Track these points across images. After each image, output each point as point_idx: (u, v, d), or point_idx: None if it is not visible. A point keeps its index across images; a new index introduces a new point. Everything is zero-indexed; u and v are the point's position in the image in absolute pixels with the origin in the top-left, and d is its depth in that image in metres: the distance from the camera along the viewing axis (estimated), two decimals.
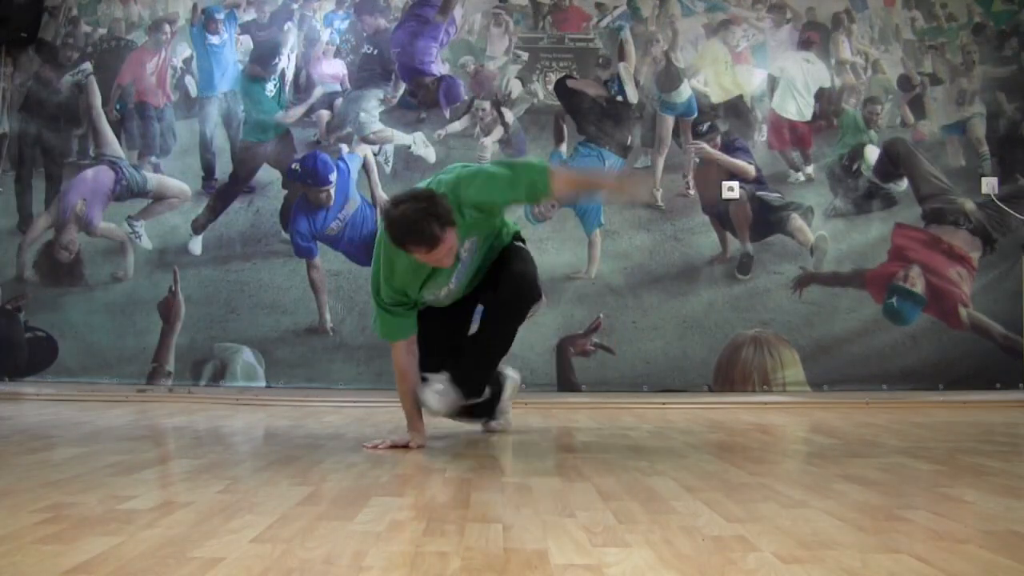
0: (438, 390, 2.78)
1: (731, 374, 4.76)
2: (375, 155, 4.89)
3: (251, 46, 5.02)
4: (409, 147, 4.90)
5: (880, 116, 4.94)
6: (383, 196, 4.82)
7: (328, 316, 4.82)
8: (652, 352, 4.77)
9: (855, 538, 1.56)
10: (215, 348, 4.85)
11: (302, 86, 4.98)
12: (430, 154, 4.87)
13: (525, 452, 2.82)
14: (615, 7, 4.97)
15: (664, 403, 4.54)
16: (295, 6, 5.03)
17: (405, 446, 2.79)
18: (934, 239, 4.83)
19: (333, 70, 5.00)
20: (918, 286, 4.79)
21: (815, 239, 4.84)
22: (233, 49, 5.02)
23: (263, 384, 4.79)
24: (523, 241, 3.04)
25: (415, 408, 2.84)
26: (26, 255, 4.95)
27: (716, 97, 4.95)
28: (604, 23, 4.98)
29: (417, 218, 2.47)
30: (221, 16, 5.01)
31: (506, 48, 4.96)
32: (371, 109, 4.94)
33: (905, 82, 4.98)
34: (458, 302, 2.95)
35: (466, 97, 4.91)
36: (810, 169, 4.91)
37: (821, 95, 4.96)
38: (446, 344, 2.90)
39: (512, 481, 2.20)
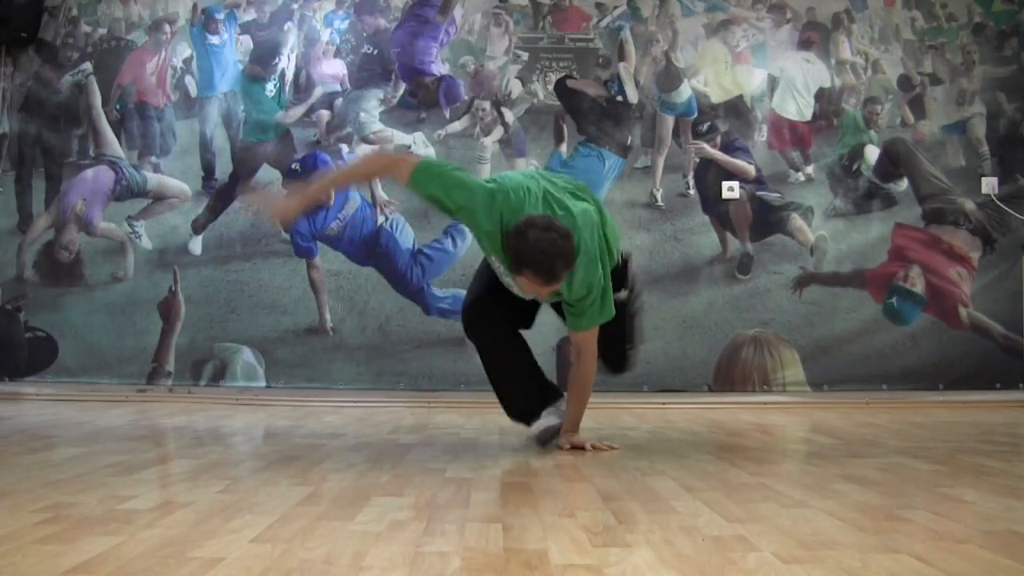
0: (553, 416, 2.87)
1: (731, 374, 4.75)
2: None
3: (251, 46, 5.02)
4: (409, 147, 4.90)
5: (880, 116, 4.94)
6: (383, 196, 4.82)
7: (328, 316, 4.82)
8: (652, 352, 4.76)
9: (855, 538, 1.56)
10: (215, 348, 4.85)
11: (302, 86, 4.98)
12: (430, 154, 4.86)
13: (525, 452, 2.82)
14: (615, 7, 4.97)
15: (664, 403, 4.54)
16: (295, 6, 5.03)
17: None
18: (934, 239, 4.83)
19: (333, 70, 5.00)
20: (918, 286, 4.79)
21: (815, 239, 4.84)
22: (233, 49, 5.02)
23: (263, 384, 4.79)
24: (626, 262, 2.97)
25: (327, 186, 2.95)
26: (26, 255, 4.95)
27: (716, 97, 4.95)
28: (604, 23, 4.98)
29: (552, 253, 2.43)
30: (221, 16, 5.01)
31: (506, 48, 4.96)
32: (371, 109, 4.94)
33: (905, 82, 4.98)
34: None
35: (466, 97, 4.91)
36: (810, 169, 4.91)
37: (821, 95, 4.96)
38: (508, 308, 2.87)
39: (512, 481, 2.19)
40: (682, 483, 2.13)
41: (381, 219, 4.83)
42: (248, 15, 5.04)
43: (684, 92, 4.93)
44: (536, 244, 2.41)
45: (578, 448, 2.76)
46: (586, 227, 2.60)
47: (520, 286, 2.58)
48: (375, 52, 4.99)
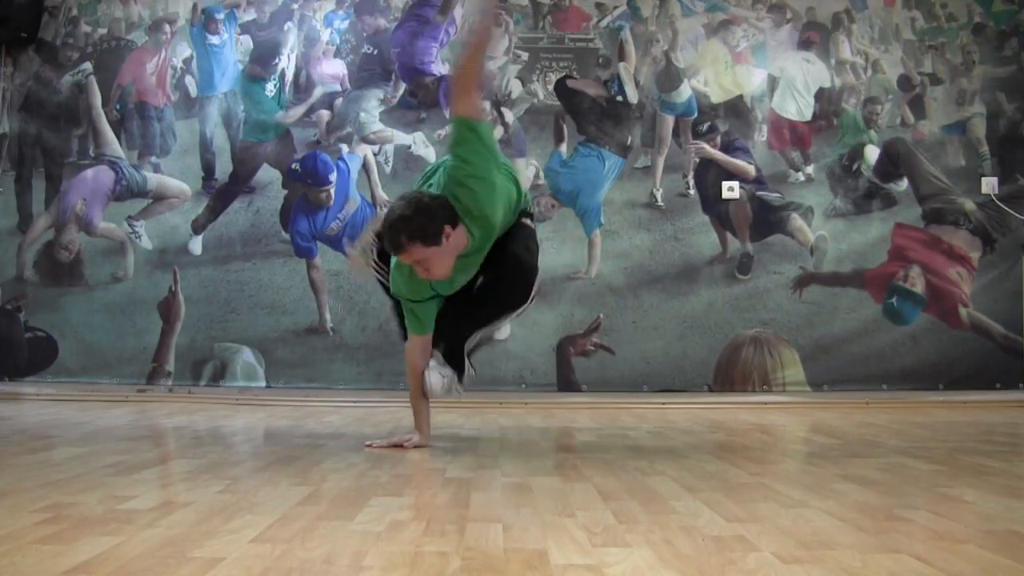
0: (439, 372, 2.79)
1: (731, 374, 4.75)
2: (375, 155, 4.89)
3: (251, 46, 5.02)
4: (409, 147, 4.90)
5: (880, 116, 4.94)
6: (383, 196, 4.82)
7: (328, 316, 4.82)
8: (652, 352, 4.77)
9: (855, 538, 1.56)
10: (215, 348, 4.85)
11: (302, 86, 4.98)
12: (430, 154, 4.86)
13: (525, 452, 2.82)
14: (615, 7, 4.97)
15: (664, 403, 4.54)
16: (295, 6, 5.03)
17: (401, 446, 2.81)
18: (934, 239, 4.83)
19: (333, 70, 5.00)
20: (918, 286, 4.79)
21: (815, 239, 4.84)
22: (233, 49, 5.03)
23: (263, 384, 4.79)
24: (531, 216, 2.95)
25: (421, 407, 2.87)
26: (26, 255, 4.95)
27: (716, 97, 4.95)
28: (604, 23, 4.98)
29: (393, 229, 2.48)
30: (221, 16, 5.01)
31: (506, 48, 4.96)
32: (371, 109, 4.94)
33: (905, 82, 4.98)
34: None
35: None
36: (810, 169, 4.91)
37: (821, 95, 4.96)
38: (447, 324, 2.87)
39: (512, 481, 2.19)
40: (682, 483, 2.13)
41: None
42: (248, 15, 5.04)
43: (684, 92, 4.93)
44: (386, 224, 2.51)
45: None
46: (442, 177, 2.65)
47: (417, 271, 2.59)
48: (375, 52, 4.99)
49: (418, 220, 2.47)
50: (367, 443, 2.85)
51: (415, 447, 2.81)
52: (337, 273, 4.85)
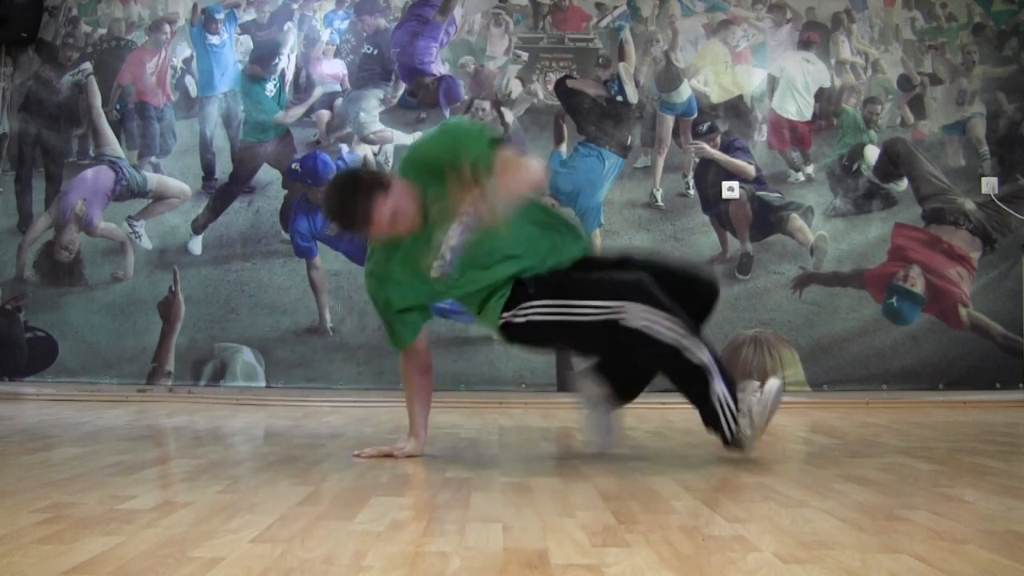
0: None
1: None
2: (375, 155, 4.89)
3: (251, 46, 5.02)
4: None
5: (880, 116, 4.94)
6: None
7: (328, 316, 4.82)
8: None
9: (855, 538, 1.56)
10: (215, 348, 4.85)
11: (302, 86, 4.98)
12: None
13: (525, 452, 2.82)
14: (615, 7, 4.97)
15: (664, 403, 4.51)
16: (295, 6, 5.03)
17: (391, 455, 2.58)
18: (934, 239, 4.83)
19: (333, 70, 5.00)
20: (918, 286, 4.79)
21: (815, 239, 4.84)
22: (233, 49, 5.03)
23: (263, 384, 4.79)
24: (584, 266, 2.51)
25: (418, 409, 2.67)
26: (26, 255, 4.95)
27: (716, 97, 4.95)
28: (604, 23, 4.98)
29: (335, 201, 2.40)
30: (221, 16, 5.01)
31: (506, 48, 4.96)
32: (371, 109, 4.94)
33: (905, 82, 4.98)
34: None
35: (466, 97, 4.91)
36: (810, 169, 4.91)
37: (821, 95, 4.96)
38: None
39: (512, 481, 2.19)
40: (682, 483, 2.13)
41: None
42: (248, 15, 5.04)
43: (684, 92, 4.93)
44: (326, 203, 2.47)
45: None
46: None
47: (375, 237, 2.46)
48: (375, 52, 4.99)
49: (348, 185, 2.40)
50: (355, 453, 2.61)
51: (407, 456, 2.58)
52: (337, 273, 4.85)
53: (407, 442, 2.64)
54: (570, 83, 4.94)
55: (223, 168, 4.96)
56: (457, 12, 4.96)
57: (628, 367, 2.58)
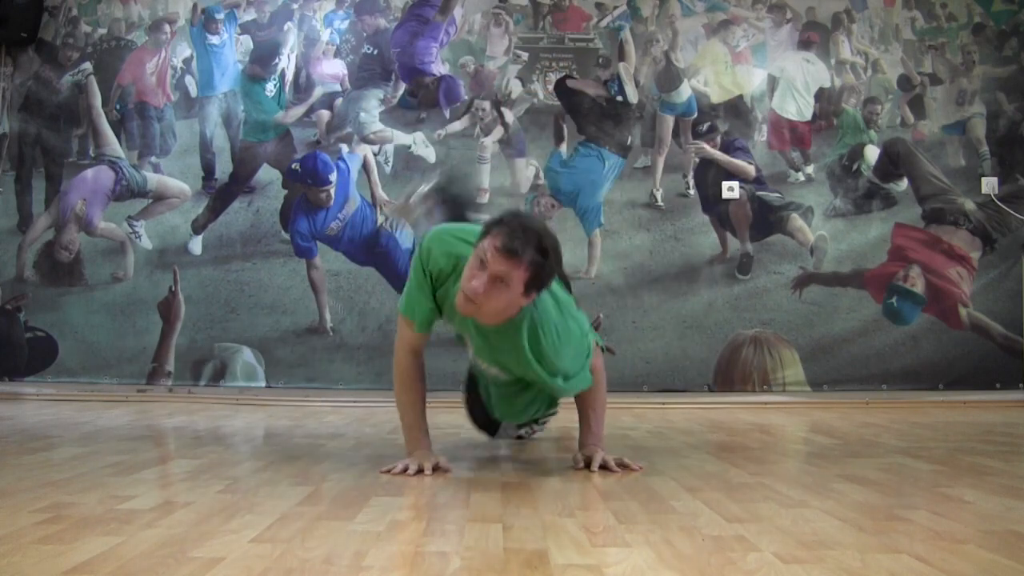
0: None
1: (731, 374, 4.75)
2: (375, 155, 4.89)
3: (251, 46, 5.02)
4: (409, 147, 4.90)
5: (880, 116, 4.94)
6: (383, 196, 4.83)
7: (328, 316, 4.82)
8: (652, 352, 4.77)
9: (855, 538, 1.56)
10: (215, 348, 4.85)
11: (302, 86, 4.98)
12: (430, 154, 4.87)
13: (525, 452, 2.82)
14: (615, 7, 4.97)
15: (664, 403, 4.54)
16: (295, 6, 5.03)
17: (420, 471, 2.30)
18: (934, 239, 4.83)
19: (333, 70, 5.00)
20: (918, 286, 4.79)
21: (815, 239, 4.84)
22: (233, 49, 5.03)
23: (263, 384, 4.79)
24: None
25: (418, 421, 2.43)
26: (26, 255, 4.95)
27: (716, 97, 4.95)
28: (604, 23, 4.98)
29: (525, 221, 2.10)
30: (221, 16, 5.01)
31: (506, 48, 4.96)
32: (371, 109, 4.94)
33: (905, 82, 4.98)
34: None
35: (466, 97, 4.91)
36: (810, 169, 4.91)
37: (821, 95, 4.96)
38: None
39: (512, 481, 2.19)
40: (682, 483, 2.13)
41: (381, 219, 4.83)
42: (248, 15, 5.04)
43: (684, 92, 4.93)
44: (519, 218, 2.12)
45: (606, 469, 2.35)
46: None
47: (468, 273, 2.08)
48: (375, 52, 4.99)
49: (547, 244, 2.08)
50: (382, 470, 2.33)
51: (443, 470, 2.33)
52: (337, 273, 4.85)
53: (427, 456, 2.36)
54: (570, 83, 4.94)
55: (223, 168, 4.96)
56: (457, 12, 4.96)
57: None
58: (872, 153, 4.92)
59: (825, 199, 4.89)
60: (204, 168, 4.97)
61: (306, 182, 4.84)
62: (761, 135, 4.93)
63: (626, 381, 4.72)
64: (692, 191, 4.88)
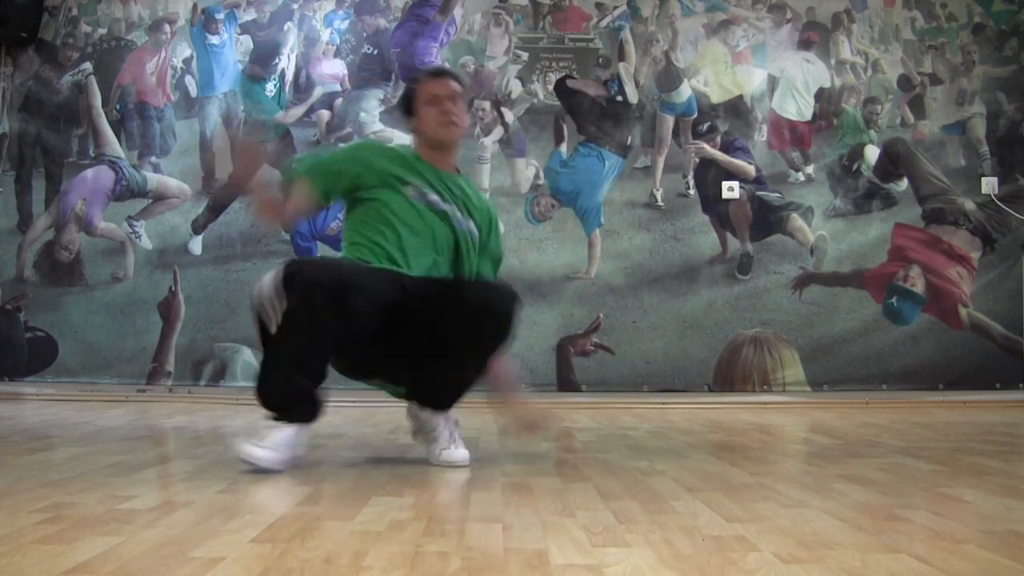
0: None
1: (731, 374, 4.75)
2: None
3: (251, 46, 5.02)
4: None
5: (880, 116, 4.94)
6: None
7: None
8: (652, 352, 4.77)
9: (855, 538, 1.56)
10: (215, 348, 4.85)
11: (302, 86, 4.98)
12: None
13: (525, 452, 2.82)
14: (615, 7, 4.98)
15: (664, 403, 4.54)
16: (295, 6, 5.04)
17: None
18: (934, 239, 4.83)
19: (333, 70, 5.00)
20: (918, 286, 4.79)
21: (815, 239, 4.84)
22: (233, 49, 5.03)
23: None
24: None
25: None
26: (26, 255, 4.95)
27: (716, 97, 4.95)
28: (604, 23, 4.98)
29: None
30: (221, 16, 5.01)
31: (506, 48, 4.96)
32: (371, 109, 4.94)
33: (905, 82, 4.98)
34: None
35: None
36: (810, 169, 4.91)
37: (821, 95, 4.96)
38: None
39: (512, 481, 2.19)
40: (682, 483, 2.13)
41: None
42: (248, 15, 5.04)
43: (684, 92, 4.93)
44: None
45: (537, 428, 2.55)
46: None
47: (437, 109, 2.48)
48: (375, 52, 4.99)
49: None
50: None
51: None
52: None
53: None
54: (570, 83, 4.94)
55: (223, 168, 4.96)
56: (457, 12, 4.96)
57: None
58: (872, 153, 4.92)
59: (825, 199, 4.89)
60: (204, 168, 4.98)
61: None
62: (761, 135, 4.94)
63: (626, 381, 4.73)
64: (692, 191, 4.88)
